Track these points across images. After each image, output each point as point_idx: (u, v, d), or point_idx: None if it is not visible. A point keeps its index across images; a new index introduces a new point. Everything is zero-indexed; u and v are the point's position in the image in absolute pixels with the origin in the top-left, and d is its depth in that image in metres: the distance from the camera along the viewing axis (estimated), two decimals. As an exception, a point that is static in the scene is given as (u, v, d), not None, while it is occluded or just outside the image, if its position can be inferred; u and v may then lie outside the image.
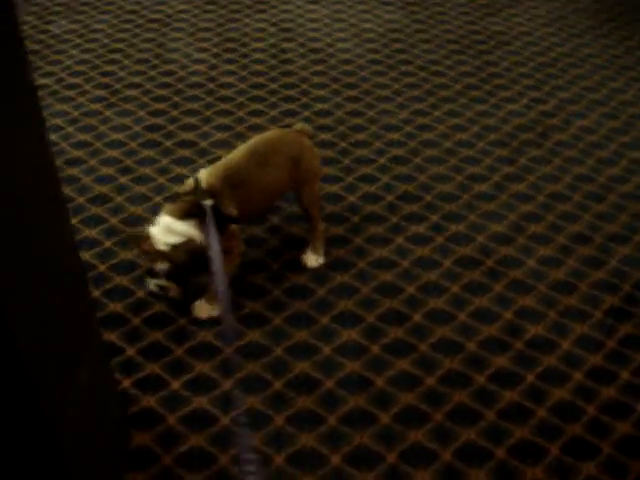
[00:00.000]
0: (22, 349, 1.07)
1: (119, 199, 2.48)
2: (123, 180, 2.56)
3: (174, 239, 1.92)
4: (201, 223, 1.94)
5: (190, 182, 1.98)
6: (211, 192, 1.95)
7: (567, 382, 1.94)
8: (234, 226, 2.02)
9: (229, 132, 2.80)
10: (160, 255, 1.91)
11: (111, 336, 2.02)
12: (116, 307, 2.11)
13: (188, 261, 1.93)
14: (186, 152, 2.69)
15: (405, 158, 2.68)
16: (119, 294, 2.14)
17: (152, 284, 1.98)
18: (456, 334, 2.05)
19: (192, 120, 2.86)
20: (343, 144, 2.75)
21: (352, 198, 2.50)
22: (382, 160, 2.67)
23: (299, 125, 2.17)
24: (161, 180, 2.56)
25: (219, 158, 2.65)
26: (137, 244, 1.94)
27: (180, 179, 2.56)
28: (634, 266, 2.27)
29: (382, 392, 1.90)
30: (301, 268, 2.23)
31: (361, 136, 2.79)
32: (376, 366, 1.96)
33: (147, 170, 2.61)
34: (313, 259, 2.21)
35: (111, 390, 1.65)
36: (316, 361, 1.97)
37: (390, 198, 2.50)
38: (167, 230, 1.91)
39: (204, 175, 1.99)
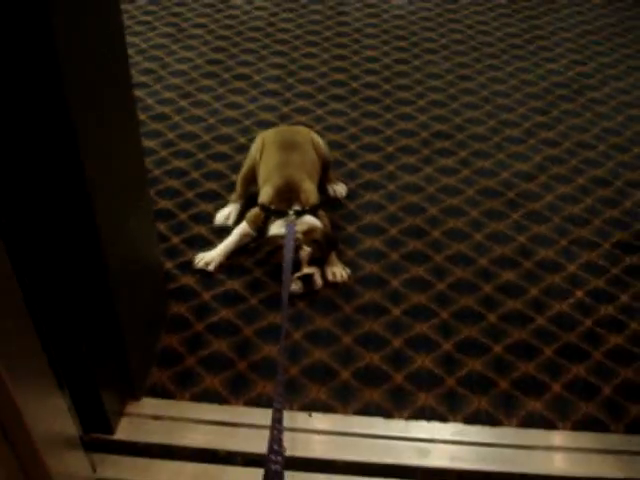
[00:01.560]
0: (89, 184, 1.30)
1: (177, 118, 2.73)
2: (182, 103, 2.81)
3: (304, 226, 2.07)
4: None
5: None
6: (287, 199, 2.13)
7: (568, 298, 2.10)
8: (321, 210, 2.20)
9: (282, 70, 3.03)
10: (299, 242, 2.03)
11: (160, 227, 2.26)
12: (167, 204, 2.36)
13: (325, 240, 2.07)
14: (241, 84, 2.93)
15: (443, 103, 2.87)
16: (170, 194, 2.39)
17: (295, 282, 2.05)
18: (470, 250, 2.23)
19: (249, 57, 3.10)
20: (387, 86, 2.95)
21: (389, 132, 2.70)
22: (421, 102, 2.86)
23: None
24: (216, 105, 2.81)
25: (270, 91, 2.88)
26: (275, 242, 2.05)
27: (234, 105, 2.80)
28: (648, 209, 2.42)
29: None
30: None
31: (404, 81, 2.99)
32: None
33: (205, 97, 2.86)
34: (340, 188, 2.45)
35: (153, 255, 1.89)
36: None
37: (425, 134, 2.70)
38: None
39: (269, 193, 2.15)
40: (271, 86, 2.92)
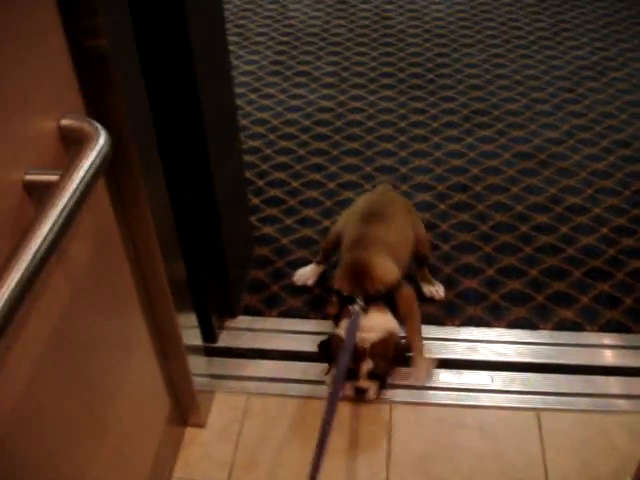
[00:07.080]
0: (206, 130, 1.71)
1: (249, 108, 3.17)
2: (252, 96, 3.25)
3: (375, 335, 1.79)
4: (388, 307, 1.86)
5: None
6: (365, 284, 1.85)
7: (595, 233, 2.44)
8: (405, 289, 1.95)
9: (336, 66, 3.45)
10: (364, 353, 1.77)
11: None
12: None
13: (392, 355, 1.81)
14: (302, 79, 3.36)
15: (480, 86, 3.25)
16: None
17: (349, 388, 1.84)
18: (508, 200, 2.59)
19: (307, 58, 3.53)
20: (430, 76, 3.35)
21: (433, 111, 3.09)
22: (461, 87, 3.25)
23: (382, 185, 2.35)
24: (282, 97, 3.24)
25: (328, 83, 3.30)
26: (337, 341, 1.80)
27: (296, 96, 3.23)
28: (665, 164, 2.75)
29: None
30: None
31: (445, 70, 3.39)
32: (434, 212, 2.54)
33: (271, 90, 3.29)
34: (436, 289, 2.25)
35: (244, 200, 2.30)
36: (395, 212, 2.55)
37: (465, 112, 3.08)
38: (366, 328, 1.79)
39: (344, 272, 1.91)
40: (328, 79, 3.34)
